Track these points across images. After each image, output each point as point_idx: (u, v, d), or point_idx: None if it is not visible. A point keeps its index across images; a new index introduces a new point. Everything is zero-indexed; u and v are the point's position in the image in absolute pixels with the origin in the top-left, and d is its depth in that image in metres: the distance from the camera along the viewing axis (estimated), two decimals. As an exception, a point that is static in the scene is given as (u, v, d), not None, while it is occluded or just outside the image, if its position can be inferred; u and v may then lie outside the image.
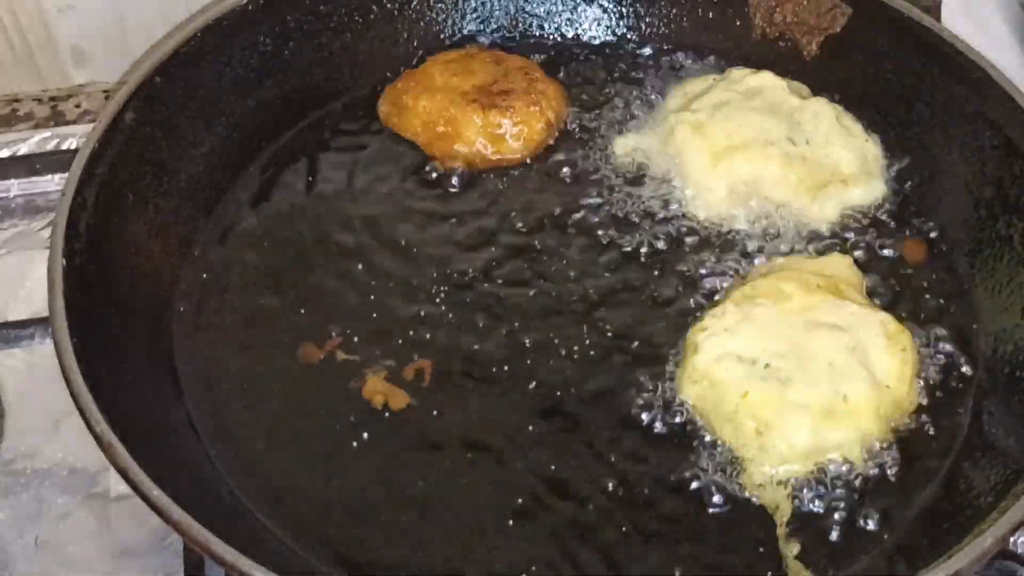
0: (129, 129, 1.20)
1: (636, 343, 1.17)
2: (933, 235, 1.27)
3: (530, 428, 1.11)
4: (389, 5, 1.43)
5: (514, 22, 1.48)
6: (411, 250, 1.26)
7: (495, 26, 1.48)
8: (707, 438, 1.10)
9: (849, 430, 1.07)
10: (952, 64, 1.28)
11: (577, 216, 1.29)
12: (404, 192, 1.32)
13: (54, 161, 1.47)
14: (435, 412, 1.12)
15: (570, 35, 1.49)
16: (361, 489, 1.08)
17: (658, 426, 1.11)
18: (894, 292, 1.22)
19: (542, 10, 1.49)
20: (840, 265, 1.21)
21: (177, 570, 1.11)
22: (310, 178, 1.33)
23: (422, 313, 1.20)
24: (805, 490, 1.06)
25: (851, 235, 1.26)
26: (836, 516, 1.05)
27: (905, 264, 1.25)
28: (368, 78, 1.42)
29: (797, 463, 1.07)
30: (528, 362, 1.16)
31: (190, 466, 1.08)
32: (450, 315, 1.20)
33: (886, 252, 1.26)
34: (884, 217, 1.28)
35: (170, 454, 1.06)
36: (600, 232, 1.27)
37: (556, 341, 1.18)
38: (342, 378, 1.14)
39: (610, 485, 1.07)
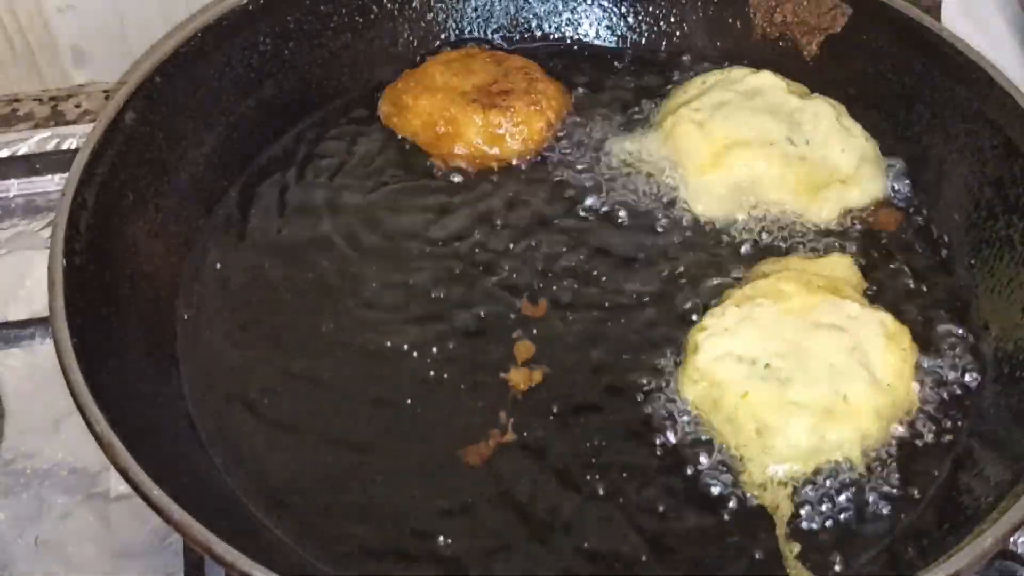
0: (129, 129, 1.20)
1: (636, 343, 1.17)
2: (933, 235, 1.27)
3: (532, 428, 1.11)
4: (389, 5, 1.43)
5: (514, 22, 1.48)
6: (410, 249, 1.26)
7: (495, 26, 1.48)
8: (707, 438, 1.10)
9: (849, 430, 1.07)
10: (952, 64, 1.28)
11: (576, 216, 1.29)
12: (404, 192, 1.32)
13: (54, 161, 1.47)
14: (434, 413, 1.12)
15: (570, 35, 1.49)
16: (362, 489, 1.08)
17: (657, 427, 1.11)
18: (894, 292, 1.22)
19: (542, 10, 1.49)
20: (840, 265, 1.21)
21: (177, 570, 1.11)
22: (310, 178, 1.33)
23: (420, 311, 1.20)
24: (805, 490, 1.06)
25: (851, 235, 1.26)
26: (836, 516, 1.05)
27: (906, 266, 1.25)
28: (368, 78, 1.42)
29: (797, 463, 1.07)
30: (527, 363, 1.16)
31: (190, 466, 1.08)
32: (448, 316, 1.20)
33: (886, 252, 1.26)
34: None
35: (170, 454, 1.06)
36: (599, 232, 1.27)
37: (555, 341, 1.18)
38: (345, 375, 1.15)
39: (609, 485, 1.07)
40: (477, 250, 1.26)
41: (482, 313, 1.20)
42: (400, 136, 1.37)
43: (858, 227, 1.27)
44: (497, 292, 1.22)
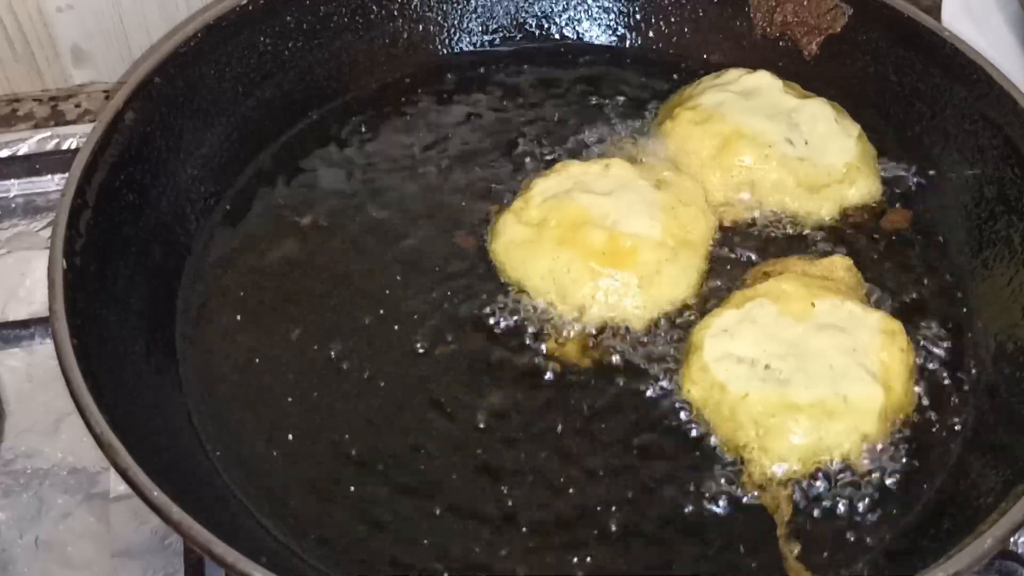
0: (129, 129, 1.20)
1: (636, 345, 1.17)
2: (933, 235, 1.27)
3: (536, 430, 1.11)
4: (389, 5, 1.43)
5: (515, 22, 1.49)
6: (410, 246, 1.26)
7: (496, 26, 1.48)
8: (707, 438, 1.10)
9: (849, 430, 1.07)
10: (952, 64, 1.28)
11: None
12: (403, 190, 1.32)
13: (54, 161, 1.47)
14: (441, 403, 1.13)
15: (571, 35, 1.49)
16: (362, 489, 1.08)
17: (658, 427, 1.11)
18: (893, 293, 1.22)
19: (542, 10, 1.49)
20: (839, 266, 1.21)
21: (177, 570, 1.11)
22: (310, 178, 1.33)
23: (425, 299, 1.20)
24: (806, 490, 1.06)
25: (850, 235, 1.26)
26: (836, 516, 1.05)
27: (905, 266, 1.25)
28: (368, 78, 1.42)
29: (797, 463, 1.07)
30: (531, 364, 1.16)
31: (190, 466, 1.08)
32: (450, 321, 1.20)
33: (885, 253, 1.26)
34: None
35: (170, 454, 1.06)
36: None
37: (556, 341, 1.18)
38: (345, 372, 1.15)
39: (610, 484, 1.07)
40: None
41: (478, 310, 1.20)
42: (398, 134, 1.37)
43: (857, 227, 1.27)
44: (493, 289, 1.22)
